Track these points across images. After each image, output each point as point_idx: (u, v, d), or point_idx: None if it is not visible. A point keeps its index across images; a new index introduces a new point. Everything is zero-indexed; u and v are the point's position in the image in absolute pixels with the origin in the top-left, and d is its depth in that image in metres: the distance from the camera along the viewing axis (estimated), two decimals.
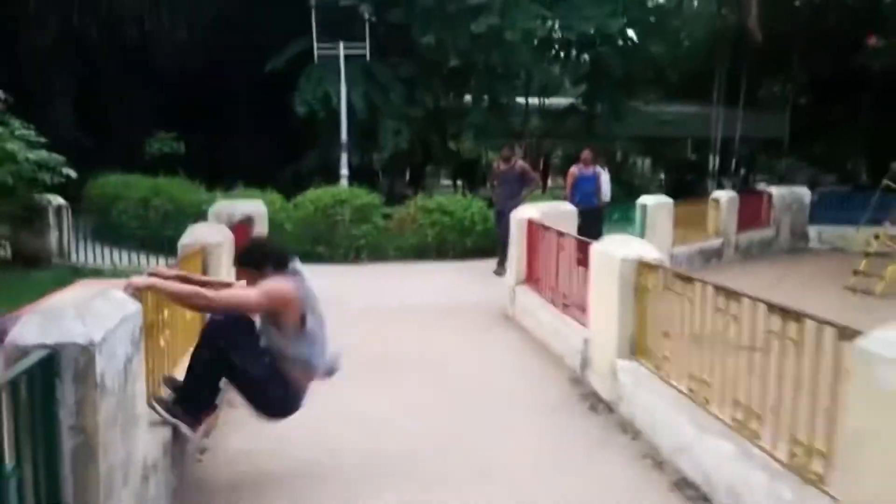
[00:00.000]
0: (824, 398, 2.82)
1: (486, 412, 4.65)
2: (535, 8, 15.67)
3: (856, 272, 9.43)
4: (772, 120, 22.78)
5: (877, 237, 9.90)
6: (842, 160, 24.57)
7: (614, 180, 15.17)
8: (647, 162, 30.45)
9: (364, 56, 15.16)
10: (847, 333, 2.65)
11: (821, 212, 14.10)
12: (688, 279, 3.97)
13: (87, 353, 2.22)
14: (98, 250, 10.72)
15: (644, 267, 4.43)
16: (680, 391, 3.93)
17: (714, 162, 20.87)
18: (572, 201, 9.91)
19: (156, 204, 11.55)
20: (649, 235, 9.94)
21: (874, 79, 17.63)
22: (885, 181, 11.06)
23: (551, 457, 3.95)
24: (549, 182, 25.69)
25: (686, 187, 20.84)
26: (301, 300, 3.42)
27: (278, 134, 17.44)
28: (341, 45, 14.78)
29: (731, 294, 3.50)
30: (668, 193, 12.28)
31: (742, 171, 24.76)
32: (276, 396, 3.47)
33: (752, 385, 3.31)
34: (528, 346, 6.37)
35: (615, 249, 4.68)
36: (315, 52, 15.07)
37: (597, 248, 4.98)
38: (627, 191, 16.49)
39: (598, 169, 10.59)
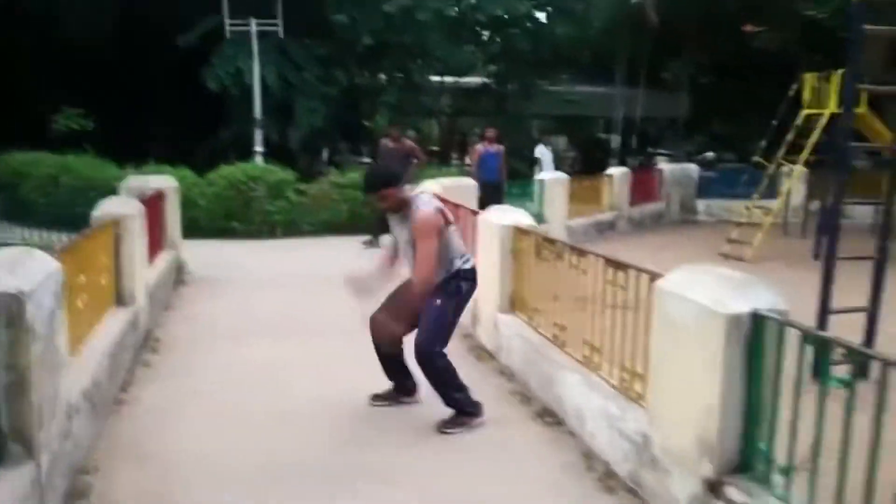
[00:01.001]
0: (644, 332, 3.51)
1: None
2: None
3: (729, 240, 10.48)
4: (674, 100, 24.11)
5: (747, 209, 10.99)
6: (742, 138, 26.27)
7: (526, 158, 16.03)
8: (564, 140, 31.63)
9: (278, 33, 15.26)
10: (654, 276, 3.32)
11: (712, 186, 15.31)
12: (552, 242, 4.62)
13: (17, 301, 2.63)
14: (7, 228, 10.62)
15: (519, 232, 5.06)
16: (546, 338, 4.60)
17: (618, 140, 21.98)
18: (477, 176, 10.56)
19: (65, 181, 11.47)
20: (547, 209, 10.74)
21: (769, 61, 18.97)
22: (755, 158, 12.20)
23: (433, 396, 4.55)
24: (468, 159, 26.39)
25: (595, 164, 21.95)
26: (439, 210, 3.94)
27: (193, 110, 17.28)
28: (253, 21, 14.83)
29: (581, 252, 4.16)
30: (579, 170, 13.10)
31: (647, 149, 26.16)
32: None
33: (596, 327, 3.99)
34: None
35: (496, 218, 5.30)
36: (226, 28, 15.06)
37: (482, 218, 5.59)
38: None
39: (501, 147, 11.23)
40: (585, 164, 21.25)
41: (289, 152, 17.04)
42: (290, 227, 11.57)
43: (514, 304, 5.17)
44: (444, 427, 3.98)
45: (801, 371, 2.48)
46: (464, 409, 4.03)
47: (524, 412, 4.31)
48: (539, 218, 10.73)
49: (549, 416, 4.18)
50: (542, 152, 15.27)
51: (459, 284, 4.03)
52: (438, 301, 3.94)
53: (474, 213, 6.08)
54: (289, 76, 16.05)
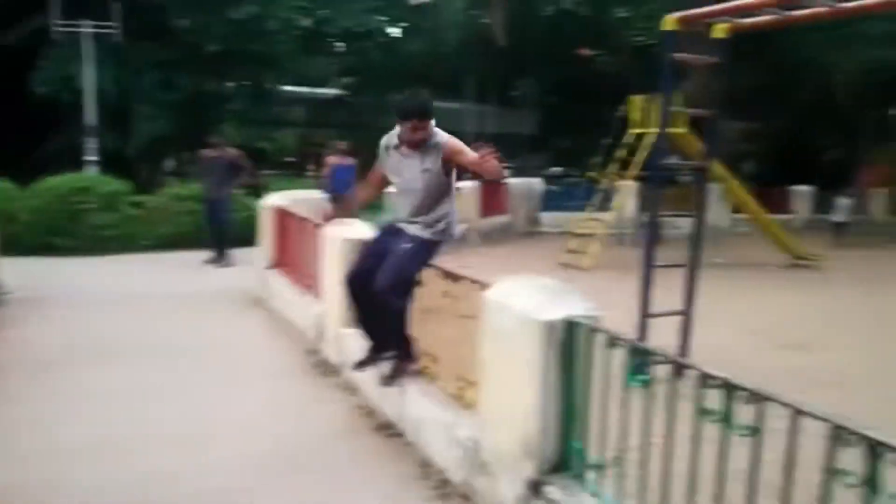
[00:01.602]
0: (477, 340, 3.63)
1: (225, 379, 5.02)
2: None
3: (569, 251, 11.11)
4: (523, 117, 25.29)
5: (583, 221, 11.72)
6: (585, 154, 27.98)
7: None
8: None
9: (114, 36, 14.35)
10: (483, 287, 3.45)
11: (556, 200, 16.18)
12: None
13: None
14: None
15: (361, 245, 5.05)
16: None
17: None
18: (330, 189, 10.46)
19: None
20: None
21: (608, 82, 20.37)
22: (589, 173, 13.05)
23: (274, 410, 4.46)
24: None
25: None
26: None
27: (19, 117, 15.81)
28: (86, 23, 13.85)
29: None
30: None
31: (507, 164, 27.16)
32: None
33: (435, 337, 4.07)
34: (276, 325, 6.79)
35: (339, 232, 5.27)
36: (54, 29, 13.96)
37: (324, 232, 5.54)
38: None
39: (354, 160, 11.20)
40: None
41: (127, 162, 16.04)
42: (125, 242, 10.84)
43: None
44: (388, 382, 4.04)
45: (609, 372, 2.67)
46: (405, 350, 4.04)
47: (367, 425, 4.30)
48: None
49: (391, 429, 4.20)
50: None
51: (438, 245, 4.03)
52: (412, 248, 3.90)
53: (317, 226, 6.00)
54: (126, 81, 15.13)
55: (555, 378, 2.85)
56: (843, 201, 15.43)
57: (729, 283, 9.69)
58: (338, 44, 19.79)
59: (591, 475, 2.78)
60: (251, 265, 8.40)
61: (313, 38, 18.96)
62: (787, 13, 4.38)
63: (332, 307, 5.34)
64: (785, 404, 1.99)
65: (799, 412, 1.96)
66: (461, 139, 3.99)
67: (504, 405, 3.12)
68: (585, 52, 17.99)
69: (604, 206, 12.46)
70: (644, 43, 15.29)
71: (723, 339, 6.48)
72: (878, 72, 16.59)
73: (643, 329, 5.51)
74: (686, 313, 5.75)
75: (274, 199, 7.95)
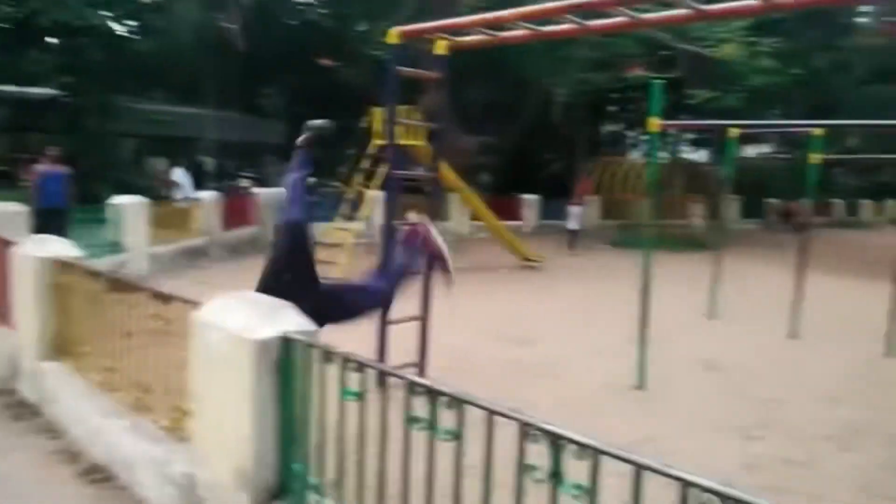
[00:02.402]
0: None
1: None
2: None
3: (319, 261, 10.95)
4: (272, 126, 24.60)
5: (333, 231, 11.68)
6: (339, 165, 27.98)
7: (112, 179, 14.55)
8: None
9: None
10: (195, 306, 3.16)
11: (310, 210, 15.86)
12: (96, 275, 4.12)
13: None
14: None
15: (61, 266, 4.42)
16: (95, 383, 4.08)
17: (213, 163, 21.49)
18: (36, 201, 9.17)
19: None
20: (127, 236, 9.85)
21: (354, 93, 20.45)
22: (334, 183, 13.09)
23: None
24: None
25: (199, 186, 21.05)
26: None
27: None
28: None
29: (128, 285, 3.79)
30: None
31: (250, 174, 26.12)
32: None
33: (146, 364, 3.66)
34: None
35: (33, 249, 4.56)
36: None
37: (16, 250, 4.76)
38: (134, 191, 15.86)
39: (66, 169, 9.92)
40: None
41: None
42: None
43: (60, 349, 4.49)
44: None
45: (327, 388, 2.57)
46: None
47: (69, 472, 3.74)
48: (116, 247, 9.78)
49: (99, 473, 3.70)
50: (179, 175, 14.22)
51: None
52: None
53: (6, 243, 5.13)
54: None
55: (271, 399, 2.68)
56: (575, 210, 16.84)
57: (467, 285, 10.26)
58: (52, 39, 17.48)
59: (312, 497, 2.66)
60: None
61: (22, 31, 16.54)
62: (496, 34, 4.70)
63: (26, 337, 4.60)
64: (480, 406, 2.04)
65: (492, 412, 2.02)
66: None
67: (218, 434, 2.87)
68: (327, 62, 17.99)
69: (351, 215, 12.50)
70: (383, 57, 15.67)
71: (459, 340, 6.81)
72: (587, 94, 18.88)
73: (383, 337, 5.56)
74: (423, 318, 5.91)
75: None
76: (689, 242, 16.29)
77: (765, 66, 16.62)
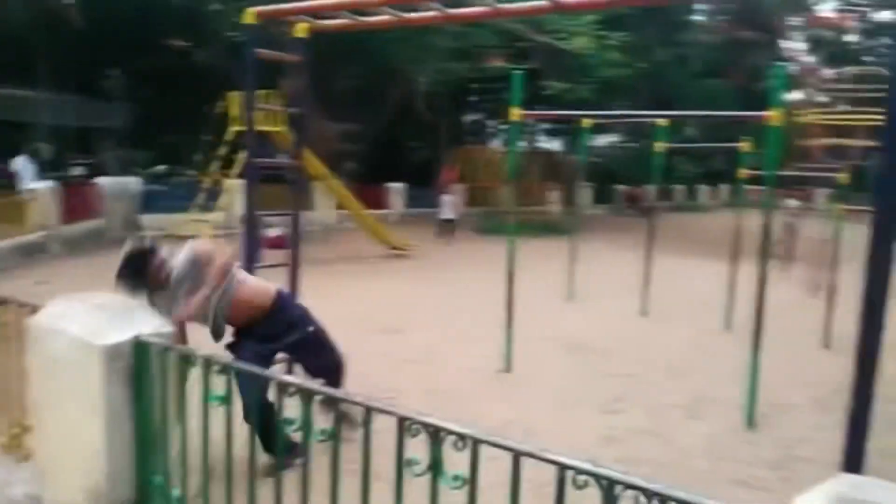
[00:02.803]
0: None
1: None
2: None
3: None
4: (116, 110, 22.82)
5: (189, 222, 11.07)
6: (192, 151, 26.41)
7: None
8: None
9: None
10: (33, 310, 2.85)
11: (161, 200, 14.85)
12: None
13: None
14: None
15: None
16: None
17: (50, 150, 19.64)
18: None
19: None
20: None
21: (208, 76, 19.33)
22: (190, 171, 12.41)
23: None
24: None
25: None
26: None
27: None
28: None
29: None
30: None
31: (89, 161, 24.10)
32: None
33: None
34: None
35: None
36: None
37: None
38: None
39: None
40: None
41: None
42: None
43: None
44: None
45: (188, 393, 2.40)
46: None
47: None
48: None
49: None
50: (21, 164, 12.70)
51: None
52: None
53: None
54: None
55: (125, 409, 2.47)
56: (447, 199, 16.72)
57: (335, 276, 10.12)
58: None
59: None
60: None
61: None
62: (359, 18, 4.59)
63: None
64: (356, 403, 1.99)
65: (370, 409, 1.97)
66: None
67: (66, 450, 2.62)
68: (178, 43, 16.92)
69: (208, 205, 11.90)
70: (238, 38, 14.93)
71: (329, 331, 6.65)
72: (448, 83, 19.10)
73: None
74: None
75: None
76: (547, 228, 16.98)
77: (614, 58, 17.59)
